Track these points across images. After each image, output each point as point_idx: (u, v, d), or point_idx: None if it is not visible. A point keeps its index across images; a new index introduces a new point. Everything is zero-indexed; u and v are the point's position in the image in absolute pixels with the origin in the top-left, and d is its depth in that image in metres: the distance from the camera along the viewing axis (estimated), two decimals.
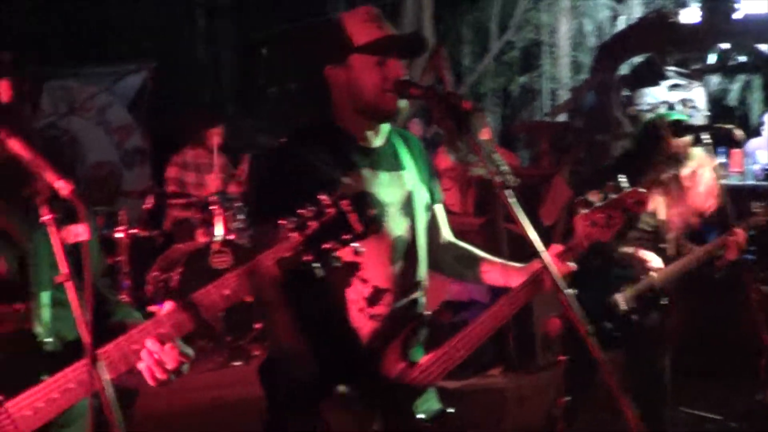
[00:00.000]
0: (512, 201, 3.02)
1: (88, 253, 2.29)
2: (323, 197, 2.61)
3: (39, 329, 2.65)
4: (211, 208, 8.85)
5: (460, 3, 21.86)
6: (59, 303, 2.65)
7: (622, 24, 20.13)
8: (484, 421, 6.60)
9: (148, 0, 16.43)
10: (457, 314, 8.06)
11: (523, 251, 3.37)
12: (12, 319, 2.60)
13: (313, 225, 2.57)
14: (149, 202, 9.55)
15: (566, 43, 22.34)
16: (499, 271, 3.67)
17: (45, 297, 2.66)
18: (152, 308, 8.61)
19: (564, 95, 20.60)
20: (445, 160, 9.33)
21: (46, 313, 2.67)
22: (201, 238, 8.93)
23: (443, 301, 7.99)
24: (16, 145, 2.39)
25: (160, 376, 2.68)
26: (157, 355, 2.65)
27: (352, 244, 2.60)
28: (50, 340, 2.68)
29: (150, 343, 2.65)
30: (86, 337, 2.24)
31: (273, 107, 17.93)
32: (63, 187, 2.28)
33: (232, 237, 8.82)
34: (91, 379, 2.26)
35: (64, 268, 2.28)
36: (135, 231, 9.16)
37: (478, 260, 3.74)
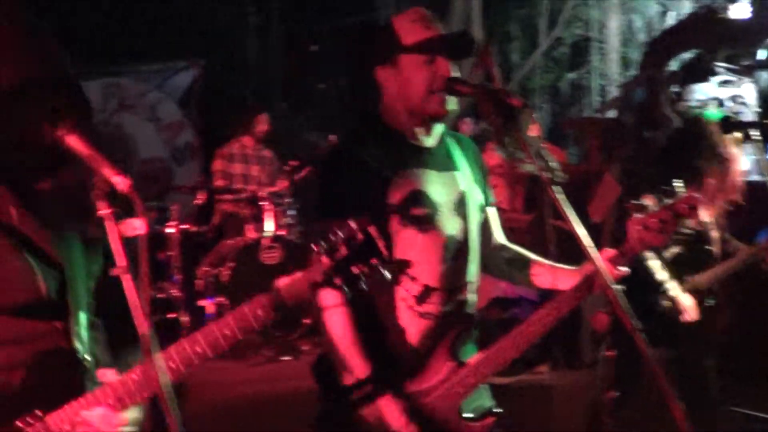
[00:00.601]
0: (560, 197, 3.03)
1: (145, 247, 2.33)
2: (352, 223, 2.69)
3: (78, 346, 2.70)
4: (261, 203, 8.92)
5: None
6: (92, 325, 2.75)
7: (671, 20, 19.96)
8: (532, 417, 6.60)
9: None
10: (506, 311, 8.06)
11: (571, 248, 3.38)
12: (51, 336, 2.64)
13: (343, 250, 2.66)
14: (200, 198, 9.65)
15: (615, 39, 22.18)
16: (549, 274, 3.67)
17: (82, 317, 2.72)
18: (202, 302, 8.71)
19: (613, 91, 20.45)
20: (494, 156, 9.33)
21: (84, 332, 2.72)
22: (251, 234, 8.99)
23: (492, 298, 7.99)
24: (74, 142, 2.44)
25: None
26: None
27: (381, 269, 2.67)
28: (89, 358, 2.73)
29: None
30: (143, 328, 2.27)
31: (321, 103, 17.99)
32: (120, 182, 2.33)
33: (282, 233, 8.88)
34: (155, 367, 2.30)
35: (121, 261, 2.32)
36: (185, 226, 9.27)
37: (528, 263, 3.73)
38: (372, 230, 2.67)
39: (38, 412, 2.56)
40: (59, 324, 2.63)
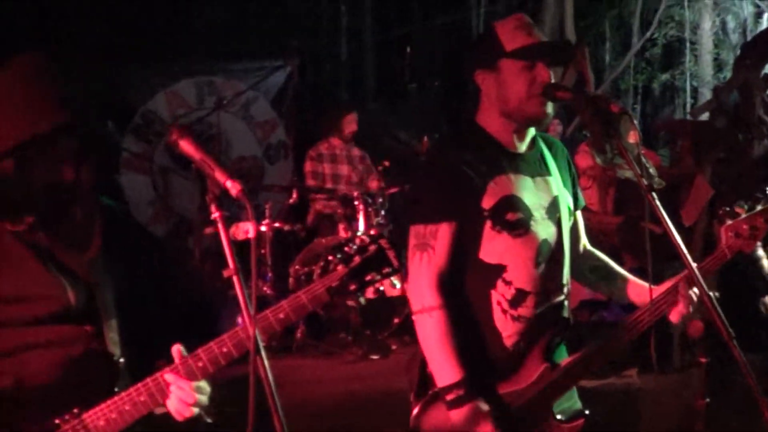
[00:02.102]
0: (658, 204, 3.05)
1: (257, 249, 2.42)
2: (363, 237, 2.92)
3: (113, 349, 2.89)
4: (354, 203, 9.01)
5: None
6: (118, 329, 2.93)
7: (766, 22, 19.65)
8: (621, 420, 6.58)
9: None
10: (594, 313, 8.03)
11: (662, 251, 3.39)
12: (82, 340, 2.84)
13: (357, 259, 2.85)
14: (293, 197, 9.75)
15: (709, 40, 21.93)
16: (629, 289, 3.70)
17: (113, 323, 2.90)
18: None
19: (706, 93, 20.22)
20: (585, 159, 9.28)
21: (115, 336, 2.90)
22: (343, 233, 9.08)
23: (581, 300, 7.97)
24: (186, 147, 2.54)
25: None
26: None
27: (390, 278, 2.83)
28: (122, 360, 2.91)
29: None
30: (250, 330, 2.35)
31: (413, 103, 18.04)
32: (232, 186, 2.42)
33: (373, 233, 8.92)
34: (255, 368, 2.38)
35: (231, 263, 2.41)
36: (278, 224, 9.38)
37: (611, 275, 3.77)
38: (383, 242, 2.87)
39: (75, 410, 2.74)
40: (89, 328, 2.84)
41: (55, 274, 2.82)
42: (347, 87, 18.16)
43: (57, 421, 2.72)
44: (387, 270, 2.85)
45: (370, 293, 8.42)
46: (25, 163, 2.69)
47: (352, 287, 2.83)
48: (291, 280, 8.86)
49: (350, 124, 10.40)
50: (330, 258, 2.87)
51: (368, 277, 2.85)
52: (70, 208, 2.85)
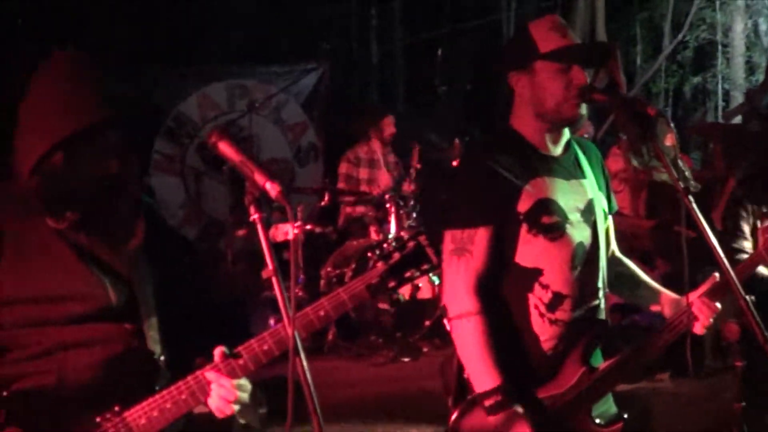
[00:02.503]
0: (695, 207, 3.05)
1: (296, 251, 2.44)
2: (402, 234, 2.90)
3: (153, 347, 2.93)
4: (386, 206, 9.01)
5: (633, 1, 21.56)
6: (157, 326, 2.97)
7: None
8: (654, 424, 6.56)
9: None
10: (626, 317, 8.00)
11: (695, 255, 3.38)
12: (123, 338, 2.87)
13: (397, 256, 2.86)
14: (325, 199, 9.77)
15: (741, 43, 21.80)
16: (654, 298, 3.70)
17: (153, 321, 2.94)
18: None
19: (737, 96, 20.11)
20: (617, 162, 9.25)
21: (155, 334, 2.94)
22: (374, 236, 9.09)
23: (612, 304, 7.93)
24: (226, 148, 2.56)
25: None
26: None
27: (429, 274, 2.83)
28: (162, 358, 2.95)
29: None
30: (289, 330, 2.37)
31: (443, 106, 18.05)
32: (272, 188, 2.43)
33: (404, 235, 8.92)
34: (294, 367, 2.40)
35: (270, 263, 2.43)
36: (309, 227, 9.39)
37: (637, 283, 3.78)
38: (422, 239, 2.87)
39: (116, 408, 2.77)
40: (129, 326, 2.88)
41: (97, 273, 2.85)
42: (377, 90, 18.18)
43: (98, 420, 2.75)
44: (426, 266, 2.85)
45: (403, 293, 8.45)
46: (73, 156, 2.73)
47: (392, 284, 2.84)
48: (322, 282, 8.89)
49: (389, 126, 10.42)
50: (369, 255, 2.90)
51: (407, 274, 2.85)
52: (115, 203, 2.88)
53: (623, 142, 8.85)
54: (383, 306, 8.56)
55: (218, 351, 2.80)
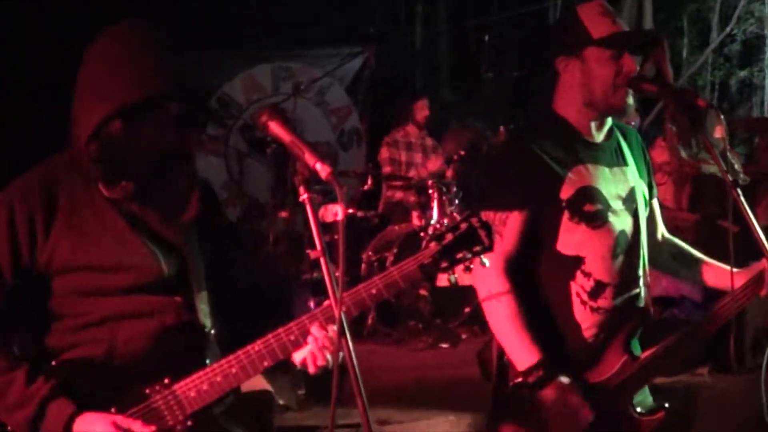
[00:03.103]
0: (743, 200, 3.03)
1: (344, 232, 2.45)
2: (455, 215, 2.88)
3: (204, 321, 2.95)
4: (429, 191, 9.01)
5: None
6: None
7: None
8: (692, 418, 6.53)
9: None
10: (665, 310, 7.96)
11: (739, 249, 3.37)
12: (174, 310, 2.88)
13: (449, 237, 2.82)
14: (368, 183, 9.78)
15: None
16: (715, 273, 3.68)
17: (204, 294, 2.96)
18: None
19: None
20: (662, 154, 9.19)
21: (206, 308, 2.96)
22: (416, 221, 9.10)
23: (651, 297, 7.89)
24: (276, 129, 2.57)
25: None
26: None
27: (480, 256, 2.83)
28: (213, 332, 2.97)
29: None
30: (336, 312, 2.37)
31: (488, 93, 17.96)
32: (322, 169, 2.44)
33: (446, 221, 8.92)
34: (339, 351, 2.42)
35: (319, 244, 2.43)
36: (351, 211, 9.39)
37: (695, 260, 3.75)
38: (474, 221, 2.83)
39: (166, 380, 2.79)
40: (179, 298, 2.89)
41: (150, 245, 2.87)
42: (422, 75, 18.11)
43: (147, 391, 2.78)
44: (478, 248, 2.82)
45: (442, 281, 8.44)
46: (132, 125, 2.73)
47: (444, 264, 2.81)
48: (363, 266, 8.90)
49: (422, 109, 10.41)
50: (422, 235, 2.89)
51: (459, 255, 2.82)
52: (171, 175, 2.89)
53: (669, 133, 8.78)
54: (423, 292, 8.57)
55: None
